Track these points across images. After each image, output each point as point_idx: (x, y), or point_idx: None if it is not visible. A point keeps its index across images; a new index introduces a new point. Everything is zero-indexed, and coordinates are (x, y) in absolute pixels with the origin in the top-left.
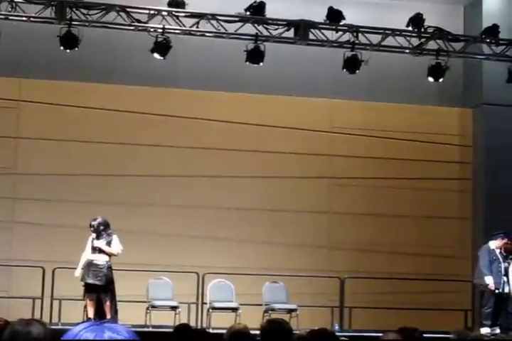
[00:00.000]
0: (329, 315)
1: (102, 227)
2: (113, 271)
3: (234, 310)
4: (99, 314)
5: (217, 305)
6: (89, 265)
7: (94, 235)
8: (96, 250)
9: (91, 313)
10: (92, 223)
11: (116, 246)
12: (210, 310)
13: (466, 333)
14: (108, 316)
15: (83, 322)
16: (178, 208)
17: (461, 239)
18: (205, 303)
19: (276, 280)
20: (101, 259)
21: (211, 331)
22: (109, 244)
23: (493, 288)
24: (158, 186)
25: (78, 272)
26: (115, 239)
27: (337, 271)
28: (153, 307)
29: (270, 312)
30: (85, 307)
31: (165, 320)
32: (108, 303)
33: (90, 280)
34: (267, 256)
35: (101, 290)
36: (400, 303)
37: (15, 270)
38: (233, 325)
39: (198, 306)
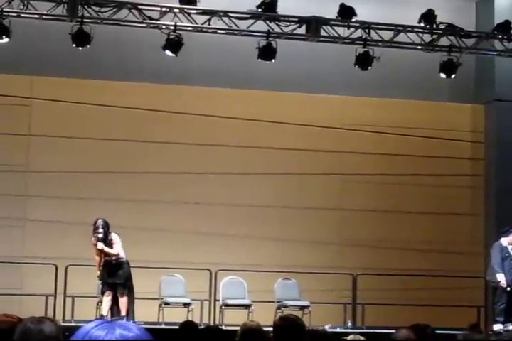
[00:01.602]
0: (342, 312)
1: (106, 229)
2: (130, 267)
3: (246, 307)
4: (113, 311)
5: (229, 302)
6: (106, 264)
7: (99, 236)
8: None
9: (105, 310)
10: (97, 225)
11: (117, 247)
12: (223, 307)
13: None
14: (123, 313)
15: (96, 319)
16: (189, 205)
17: (473, 236)
18: (218, 300)
19: (288, 277)
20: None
21: (224, 328)
22: (110, 244)
23: (504, 285)
24: (170, 183)
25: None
26: (115, 238)
27: (349, 267)
28: (166, 304)
29: (283, 309)
30: (98, 304)
31: (178, 317)
32: (124, 300)
33: (110, 280)
34: (278, 252)
35: (118, 287)
36: (413, 300)
37: (27, 267)
38: (246, 322)
39: (210, 303)
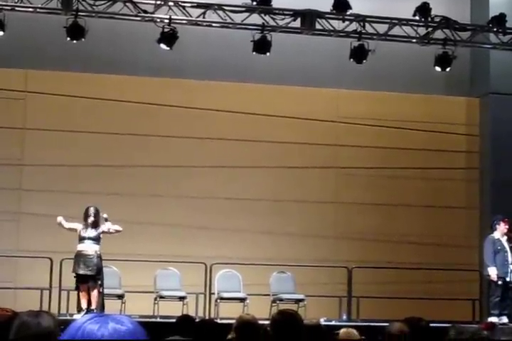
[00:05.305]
0: (337, 305)
1: (98, 217)
2: (102, 261)
3: (242, 300)
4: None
5: (225, 295)
6: (79, 256)
7: (90, 222)
8: (85, 240)
9: (84, 304)
10: (91, 212)
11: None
12: (218, 301)
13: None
14: (93, 306)
15: (79, 312)
16: (185, 198)
17: (469, 229)
18: (213, 294)
19: (283, 271)
20: (90, 249)
21: (219, 321)
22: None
23: (495, 279)
24: (166, 177)
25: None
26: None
27: (344, 260)
28: (161, 297)
29: (278, 302)
30: (78, 297)
31: (173, 311)
32: (95, 293)
33: (81, 271)
34: (274, 246)
35: (90, 280)
36: (408, 293)
37: (22, 261)
38: (241, 315)
39: (205, 296)
